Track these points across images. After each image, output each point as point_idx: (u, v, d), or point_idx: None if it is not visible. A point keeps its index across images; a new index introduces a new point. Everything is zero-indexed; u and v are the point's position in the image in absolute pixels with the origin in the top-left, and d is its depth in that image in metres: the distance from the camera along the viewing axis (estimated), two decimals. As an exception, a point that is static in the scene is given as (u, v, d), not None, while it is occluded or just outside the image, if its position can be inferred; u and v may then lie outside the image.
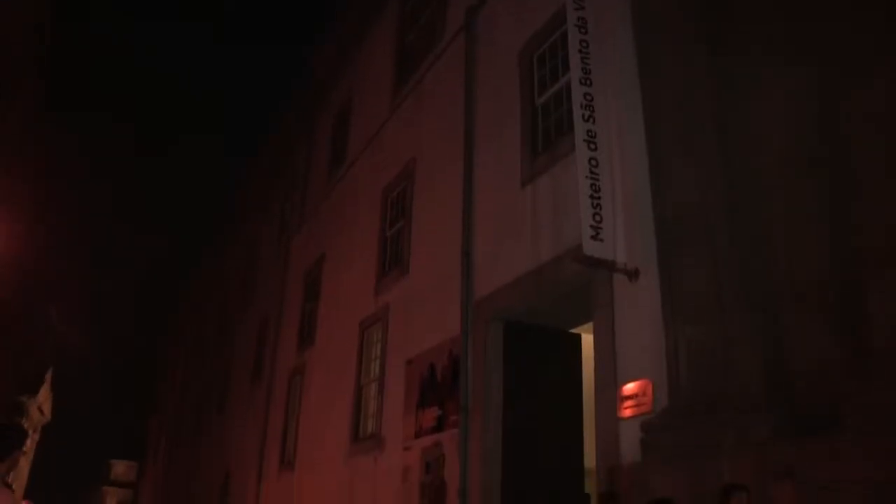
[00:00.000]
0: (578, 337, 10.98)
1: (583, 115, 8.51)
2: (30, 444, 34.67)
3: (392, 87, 16.48)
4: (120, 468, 73.64)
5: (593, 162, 8.36)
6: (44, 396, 40.73)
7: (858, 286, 6.04)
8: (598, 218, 8.14)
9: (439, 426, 11.39)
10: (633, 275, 8.24)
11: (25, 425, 33.83)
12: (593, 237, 8.09)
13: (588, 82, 8.68)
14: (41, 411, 40.61)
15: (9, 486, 4.63)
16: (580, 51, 8.78)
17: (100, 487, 75.09)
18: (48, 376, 40.79)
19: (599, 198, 8.22)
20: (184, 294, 40.48)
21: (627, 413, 7.94)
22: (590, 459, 9.36)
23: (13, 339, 30.92)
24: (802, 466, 5.53)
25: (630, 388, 7.98)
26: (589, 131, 8.47)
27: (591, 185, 8.24)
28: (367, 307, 15.11)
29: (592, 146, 8.42)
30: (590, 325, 9.47)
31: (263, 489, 19.05)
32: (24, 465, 36.41)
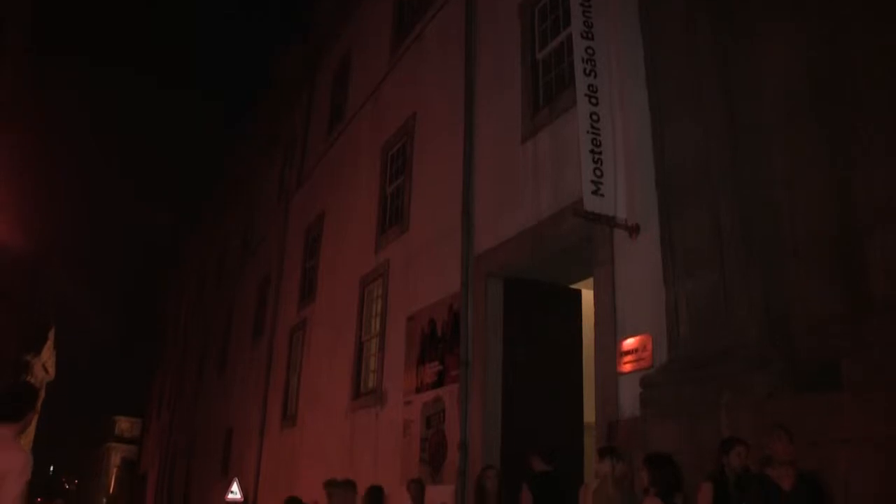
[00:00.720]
0: (578, 293, 11.00)
1: (584, 70, 8.43)
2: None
3: (391, 42, 16.32)
4: (124, 424, 74.36)
5: (594, 117, 8.29)
6: (47, 355, 40.97)
7: (859, 241, 6.03)
8: (598, 173, 8.09)
9: (440, 381, 11.45)
10: (633, 230, 8.21)
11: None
12: (594, 192, 8.05)
13: (590, 36, 8.58)
14: (45, 369, 40.88)
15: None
16: (581, 4, 8.67)
17: (105, 444, 75.91)
18: (51, 334, 41.01)
19: (600, 153, 8.17)
20: (185, 252, 40.51)
21: (627, 368, 7.97)
22: (589, 414, 9.41)
23: (15, 298, 31.02)
24: (801, 421, 5.56)
25: (630, 343, 8.00)
26: (590, 86, 8.39)
27: (592, 140, 8.19)
28: (368, 264, 15.11)
29: (594, 101, 8.35)
30: (590, 281, 9.47)
31: (265, 444, 19.21)
32: (32, 423, 36.71)
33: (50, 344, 40.99)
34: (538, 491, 7.64)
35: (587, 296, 10.36)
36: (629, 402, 7.83)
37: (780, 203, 6.76)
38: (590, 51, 8.50)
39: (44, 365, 40.18)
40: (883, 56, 6.10)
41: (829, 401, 5.64)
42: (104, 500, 70.93)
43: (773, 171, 6.90)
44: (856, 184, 6.17)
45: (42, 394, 41.72)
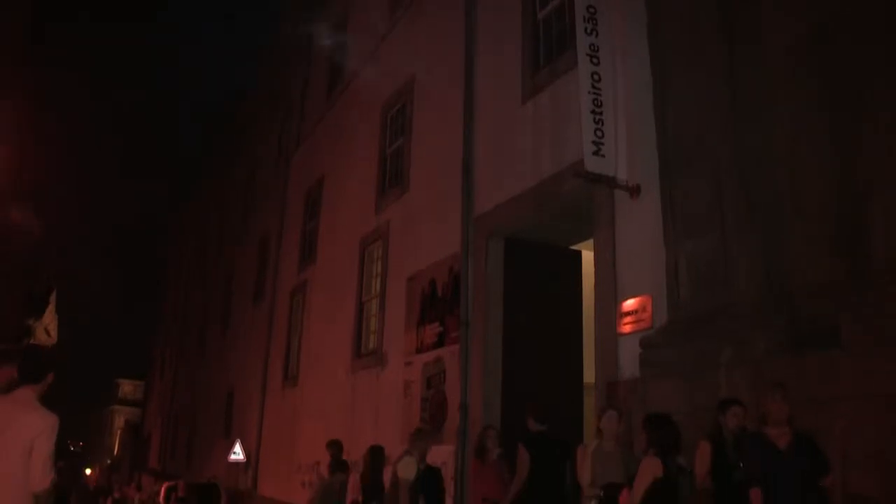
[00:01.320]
0: (579, 254, 11.00)
1: (585, 29, 8.35)
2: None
3: (390, 1, 16.16)
4: (127, 387, 74.82)
5: (595, 77, 8.23)
6: (49, 318, 41.08)
7: (860, 203, 6.01)
8: (599, 133, 8.06)
9: (440, 342, 11.50)
10: (634, 191, 8.20)
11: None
12: (595, 153, 8.02)
13: (590, -6, 8.48)
14: (47, 333, 41.02)
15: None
16: (582, -38, 8.55)
17: (108, 406, 76.46)
18: (52, 297, 41.08)
19: (601, 113, 8.13)
20: (185, 213, 40.46)
21: (627, 329, 8.00)
22: (589, 374, 9.46)
23: (15, 261, 31.03)
24: (800, 381, 5.59)
25: (630, 304, 8.02)
26: (591, 45, 8.32)
27: (594, 100, 8.14)
28: (368, 225, 15.10)
29: (595, 60, 8.29)
30: (590, 242, 9.47)
31: (267, 405, 19.35)
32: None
33: (52, 307, 41.08)
34: (534, 450, 7.70)
35: (587, 257, 10.36)
36: (629, 362, 7.87)
37: (782, 163, 6.74)
38: (591, 10, 8.42)
39: (46, 328, 40.30)
40: (889, 15, 6.04)
41: (829, 360, 5.66)
42: (108, 461, 71.64)
43: (774, 134, 6.86)
44: (857, 147, 6.14)
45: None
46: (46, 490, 4.36)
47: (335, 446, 11.66)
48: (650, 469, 5.84)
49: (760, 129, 6.98)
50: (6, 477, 4.30)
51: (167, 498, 18.02)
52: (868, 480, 5.15)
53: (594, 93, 8.14)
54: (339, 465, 11.24)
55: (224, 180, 30.98)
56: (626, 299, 8.06)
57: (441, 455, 10.40)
